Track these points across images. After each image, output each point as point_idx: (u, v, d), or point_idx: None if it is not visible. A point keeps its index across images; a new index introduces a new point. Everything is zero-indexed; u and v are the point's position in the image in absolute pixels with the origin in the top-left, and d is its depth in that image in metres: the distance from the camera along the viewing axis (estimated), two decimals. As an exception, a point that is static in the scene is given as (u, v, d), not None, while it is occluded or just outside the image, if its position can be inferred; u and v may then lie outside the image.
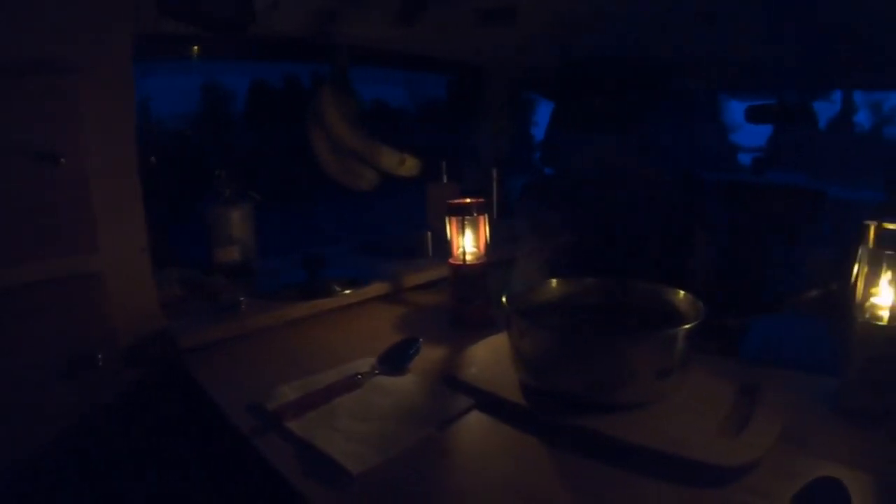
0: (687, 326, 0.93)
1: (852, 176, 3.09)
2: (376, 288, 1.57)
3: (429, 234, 1.78)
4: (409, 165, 1.64)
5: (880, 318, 0.92)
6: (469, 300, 1.34)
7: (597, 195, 2.01)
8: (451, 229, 1.35)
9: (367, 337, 1.29)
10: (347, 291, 1.50)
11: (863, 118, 3.73)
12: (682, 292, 1.08)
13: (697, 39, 2.08)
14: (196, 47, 1.61)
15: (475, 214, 1.35)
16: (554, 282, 1.18)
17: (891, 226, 0.90)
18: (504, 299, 1.04)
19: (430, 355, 1.19)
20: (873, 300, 0.93)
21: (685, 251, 1.88)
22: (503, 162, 2.24)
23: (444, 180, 1.89)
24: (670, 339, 0.93)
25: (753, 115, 2.93)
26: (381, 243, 1.93)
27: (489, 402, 0.99)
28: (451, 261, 1.36)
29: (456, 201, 1.35)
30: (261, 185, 1.72)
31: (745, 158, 3.58)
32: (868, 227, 0.92)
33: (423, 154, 1.75)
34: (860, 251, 0.94)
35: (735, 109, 3.28)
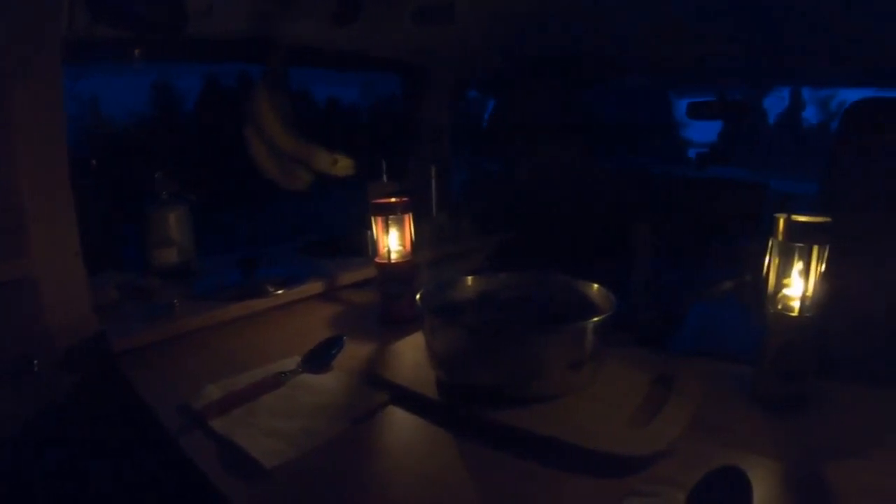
0: (596, 319, 0.95)
1: (799, 169, 3.17)
2: (310, 287, 1.57)
3: (368, 233, 1.80)
4: (342, 165, 1.66)
5: (791, 309, 0.95)
6: (395, 298, 1.35)
7: (537, 191, 2.04)
8: (376, 228, 1.36)
9: (298, 336, 1.29)
10: (280, 291, 1.51)
11: (811, 114, 3.81)
12: (595, 285, 1.10)
13: (639, 38, 2.12)
14: (137, 50, 1.61)
15: (400, 213, 1.36)
16: (469, 278, 1.19)
17: (799, 218, 0.93)
18: (418, 297, 1.06)
19: (355, 352, 1.19)
20: (785, 291, 0.96)
21: (625, 245, 1.92)
22: (445, 159, 2.27)
23: (385, 179, 1.91)
24: (580, 331, 0.95)
25: (694, 112, 2.98)
26: (322, 243, 1.94)
27: (405, 397, 1.01)
28: (377, 259, 1.37)
29: (381, 200, 1.36)
30: (209, 186, 1.72)
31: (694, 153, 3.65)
32: (778, 219, 0.94)
33: (371, 152, 1.77)
34: (770, 243, 0.96)
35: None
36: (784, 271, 0.96)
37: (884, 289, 1.34)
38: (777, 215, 0.94)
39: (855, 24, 1.88)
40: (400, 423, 0.97)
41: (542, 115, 2.07)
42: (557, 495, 0.77)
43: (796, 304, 0.95)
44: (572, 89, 2.42)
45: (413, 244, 1.39)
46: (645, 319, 1.75)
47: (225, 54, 1.86)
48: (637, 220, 1.93)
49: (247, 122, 1.60)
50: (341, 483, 0.81)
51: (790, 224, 0.93)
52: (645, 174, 2.89)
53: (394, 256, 1.36)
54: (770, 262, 0.97)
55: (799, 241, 0.93)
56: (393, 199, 1.37)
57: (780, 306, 0.96)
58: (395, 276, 1.36)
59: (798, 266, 0.94)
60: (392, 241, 1.36)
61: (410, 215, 1.37)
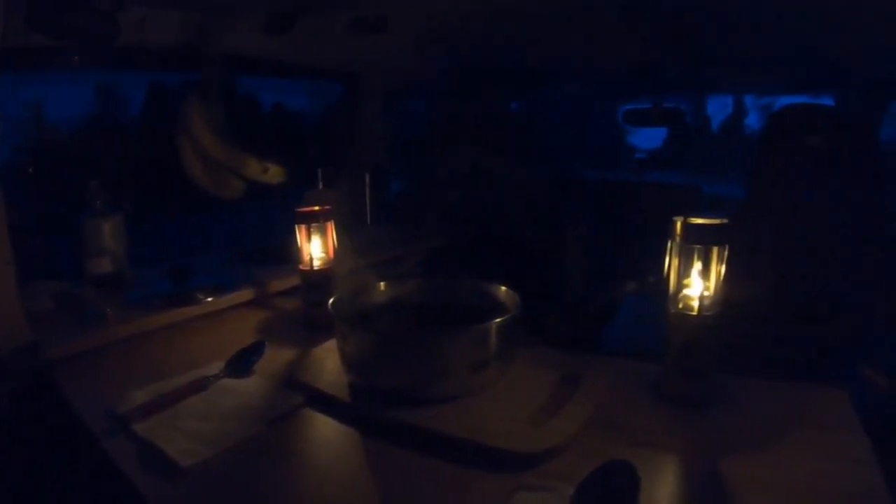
0: (498, 320, 0.98)
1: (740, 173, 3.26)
2: (239, 295, 1.58)
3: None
4: (272, 173, 1.68)
5: (692, 308, 0.98)
6: (317, 305, 1.36)
7: (469, 199, 2.08)
8: (299, 236, 1.38)
9: (226, 342, 1.29)
10: (210, 299, 1.52)
11: (753, 120, 3.90)
12: (503, 287, 1.13)
13: (572, 48, 2.17)
14: (75, 57, 1.63)
15: (322, 221, 1.38)
16: (382, 285, 1.23)
17: (695, 220, 0.96)
18: (330, 304, 1.09)
19: (277, 357, 1.21)
20: (685, 291, 0.99)
21: (556, 249, 1.96)
22: (381, 167, 2.30)
23: (320, 187, 1.94)
24: (480, 333, 0.98)
25: (631, 119, 3.06)
26: (256, 251, 1.96)
27: (320, 400, 1.03)
28: (300, 267, 1.39)
29: (304, 209, 1.38)
30: (148, 194, 1.73)
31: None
32: (675, 222, 0.98)
33: (308, 160, 1.80)
34: (669, 245, 0.99)
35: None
36: (684, 272, 0.99)
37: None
38: (675, 218, 0.98)
39: (784, 35, 1.96)
40: (314, 424, 1.00)
41: (476, 123, 2.11)
42: (456, 491, 0.80)
43: (696, 304, 0.98)
44: (507, 97, 2.48)
45: (336, 252, 1.41)
46: (577, 319, 1.80)
47: (161, 63, 1.88)
48: (570, 226, 1.98)
49: (179, 130, 1.62)
50: (254, 482, 0.84)
51: (687, 226, 0.96)
52: (579, 180, 2.95)
53: (316, 264, 1.38)
54: (670, 264, 1.00)
55: (695, 243, 0.97)
56: (316, 208, 1.39)
57: (680, 305, 1.00)
58: (318, 283, 1.38)
59: (697, 267, 0.97)
60: (315, 248, 1.38)
61: (332, 223, 1.40)
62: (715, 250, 0.96)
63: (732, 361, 1.28)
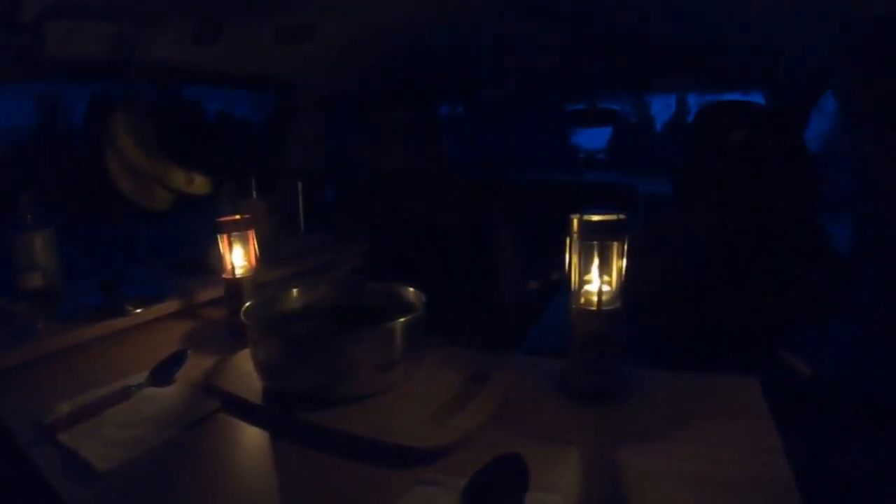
0: (402, 320, 1.00)
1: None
2: (168, 305, 1.57)
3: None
4: (197, 184, 1.68)
5: (593, 304, 0.99)
6: (238, 312, 1.39)
7: (399, 204, 2.09)
8: (222, 245, 1.38)
9: (153, 352, 1.28)
10: (139, 310, 1.53)
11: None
12: (411, 288, 1.16)
13: (502, 54, 2.20)
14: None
15: (243, 230, 1.39)
16: (295, 291, 1.24)
17: (592, 218, 0.98)
18: (242, 311, 1.11)
19: (200, 365, 1.21)
20: (586, 287, 1.01)
21: (486, 251, 1.98)
22: (315, 174, 2.31)
23: (254, 195, 1.94)
24: (386, 332, 1.00)
25: (567, 120, 3.12)
26: (188, 261, 1.94)
27: (235, 405, 1.05)
28: (224, 276, 1.39)
29: (225, 218, 1.38)
30: (87, 205, 1.72)
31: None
32: (572, 219, 0.99)
33: (244, 169, 1.80)
34: (568, 242, 1.01)
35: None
36: (585, 268, 1.01)
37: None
38: (572, 216, 1.00)
39: (716, 35, 2.00)
40: (229, 428, 1.01)
41: (405, 129, 2.12)
42: (357, 488, 0.82)
43: (601, 299, 1.00)
44: (436, 102, 2.50)
45: (258, 259, 1.42)
46: (509, 321, 1.82)
47: (89, 74, 1.87)
48: (499, 227, 2.00)
49: (106, 141, 1.61)
50: (169, 484, 0.86)
51: (583, 223, 0.99)
52: (514, 181, 2.99)
53: (239, 272, 1.39)
54: (570, 260, 1.02)
55: (592, 239, 0.99)
56: (237, 217, 1.39)
57: (582, 301, 1.01)
58: (240, 291, 1.38)
59: (597, 262, 0.99)
60: (236, 257, 1.39)
61: (253, 232, 1.41)
62: (614, 245, 0.99)
63: (657, 354, 1.31)
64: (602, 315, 0.99)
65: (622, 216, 0.99)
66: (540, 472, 0.77)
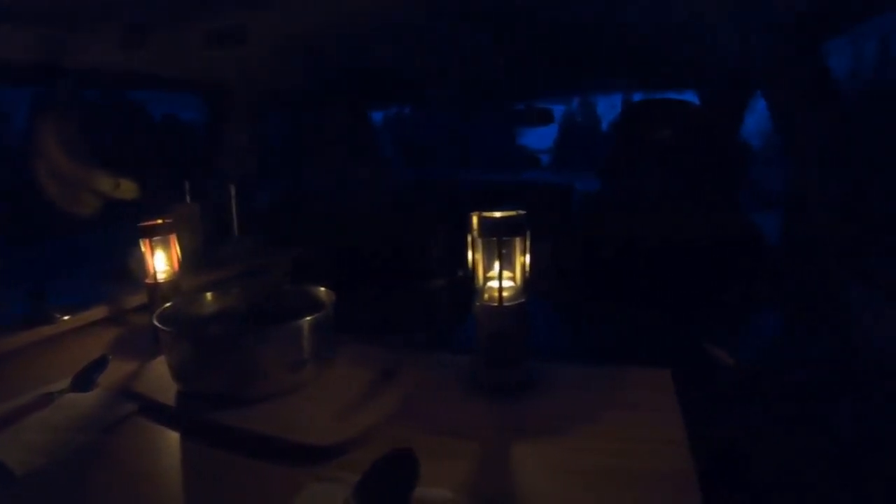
0: (308, 318, 1.01)
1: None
2: (95, 312, 1.55)
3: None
4: (123, 189, 1.68)
5: (496, 300, 1.01)
6: None
7: (333, 206, 2.10)
8: (144, 250, 1.38)
9: (78, 359, 1.27)
10: (66, 318, 1.52)
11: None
12: (323, 289, 1.17)
13: (437, 55, 2.21)
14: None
15: (164, 234, 1.38)
16: (209, 295, 1.24)
17: (493, 214, 0.99)
18: (154, 315, 1.11)
19: (123, 370, 1.21)
20: (490, 283, 1.02)
21: (420, 253, 1.99)
22: (249, 177, 2.30)
23: (188, 200, 1.92)
24: (293, 331, 1.02)
25: (505, 120, 3.15)
26: (118, 268, 1.92)
27: (150, 407, 1.05)
28: (147, 281, 1.39)
29: (147, 223, 1.38)
30: (19, 216, 1.69)
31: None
32: (472, 217, 1.00)
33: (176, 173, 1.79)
34: (469, 239, 1.02)
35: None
36: (488, 265, 1.02)
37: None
38: (472, 213, 1.01)
39: (649, 38, 2.03)
40: (144, 431, 1.01)
41: (339, 131, 2.13)
42: (256, 485, 0.83)
43: (501, 295, 1.01)
44: (370, 104, 2.51)
45: (180, 264, 1.42)
46: (444, 320, 1.83)
47: (16, 79, 1.84)
48: (437, 228, 2.01)
49: (33, 147, 1.60)
50: (84, 487, 0.86)
51: (483, 220, 1.00)
52: (447, 182, 3.01)
53: (161, 277, 1.38)
54: (474, 258, 1.03)
55: (492, 235, 1.00)
56: (159, 221, 1.39)
57: (486, 297, 1.03)
58: (163, 296, 1.37)
59: (499, 259, 1.01)
60: (158, 262, 1.39)
61: (175, 236, 1.41)
62: (516, 242, 1.00)
63: (586, 346, 1.32)
64: (505, 311, 1.01)
65: (522, 212, 1.01)
66: (434, 466, 0.78)
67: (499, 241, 0.99)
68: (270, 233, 2.11)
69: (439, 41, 2.02)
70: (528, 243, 1.02)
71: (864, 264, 1.68)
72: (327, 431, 0.90)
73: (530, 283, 1.04)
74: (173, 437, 0.99)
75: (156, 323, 1.06)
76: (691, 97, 2.81)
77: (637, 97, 3.41)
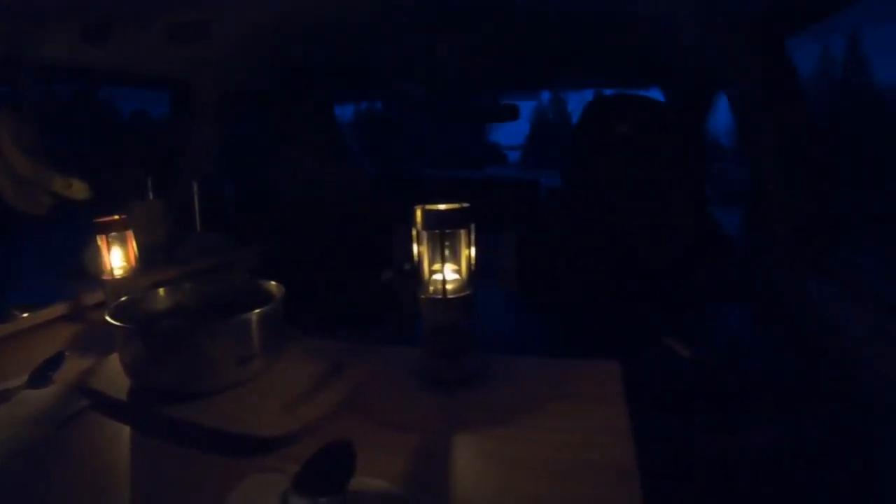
0: (257, 311, 1.02)
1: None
2: (54, 310, 1.55)
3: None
4: (76, 188, 1.66)
5: (441, 292, 1.02)
6: None
7: (296, 202, 2.10)
8: (101, 247, 1.38)
9: (37, 356, 1.27)
10: (25, 315, 1.51)
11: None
12: (273, 283, 1.17)
13: (404, 49, 2.21)
14: None
15: (120, 230, 1.39)
16: (161, 290, 1.24)
17: (437, 207, 1.01)
18: (107, 311, 1.11)
19: (79, 366, 1.20)
20: (435, 276, 1.03)
21: (383, 249, 1.99)
22: (214, 174, 2.29)
23: (150, 197, 1.92)
24: (241, 325, 1.02)
25: (468, 116, 3.16)
26: (81, 265, 1.91)
27: (103, 403, 1.06)
28: (104, 277, 1.40)
29: (102, 219, 1.38)
30: None
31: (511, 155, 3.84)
32: (416, 210, 1.02)
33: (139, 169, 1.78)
34: (413, 233, 1.03)
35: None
36: (433, 258, 1.03)
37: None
38: (416, 206, 1.02)
39: (616, 36, 2.05)
40: (97, 426, 1.02)
41: (303, 126, 2.13)
42: (199, 477, 0.84)
43: (447, 287, 1.03)
44: (334, 99, 2.50)
45: (137, 260, 1.42)
46: (409, 314, 1.84)
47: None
48: (396, 223, 2.01)
49: None
50: (39, 483, 0.86)
51: (426, 213, 1.01)
52: (413, 178, 3.02)
53: (118, 273, 1.38)
54: (419, 251, 1.04)
55: (434, 228, 1.01)
56: (115, 217, 1.39)
57: (431, 290, 1.04)
58: (120, 292, 1.37)
59: (444, 251, 1.02)
60: (115, 258, 1.39)
61: (131, 232, 1.40)
62: (461, 234, 1.02)
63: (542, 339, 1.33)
64: (450, 303, 1.02)
65: (466, 205, 1.02)
66: (375, 457, 0.80)
67: (442, 234, 1.01)
68: (235, 229, 2.11)
69: (404, 36, 2.03)
70: (472, 236, 1.03)
71: (825, 259, 1.70)
72: (273, 424, 0.91)
73: (476, 275, 1.06)
74: (125, 431, 1.00)
75: (107, 318, 1.06)
76: (657, 94, 2.85)
77: (609, 94, 3.43)
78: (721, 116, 2.58)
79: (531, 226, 2.09)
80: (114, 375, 1.11)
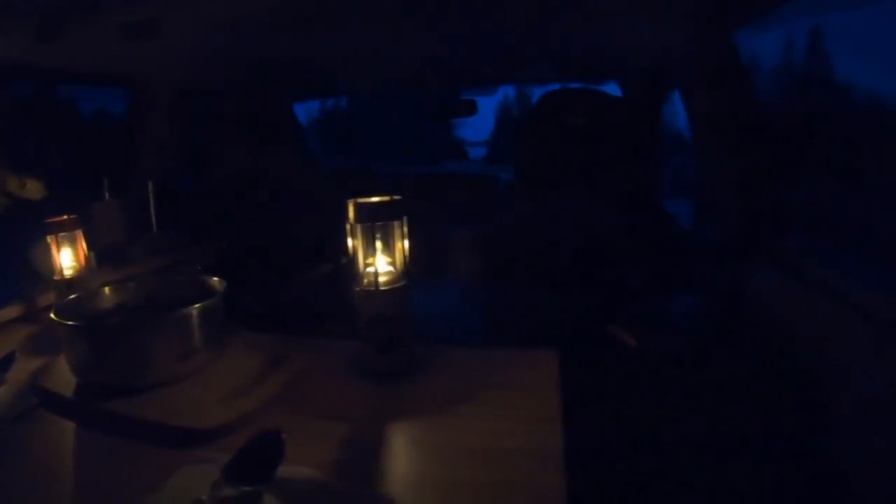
0: (196, 307, 1.04)
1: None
2: (10, 311, 1.54)
3: (91, 253, 1.81)
4: (29, 189, 1.67)
5: (375, 284, 1.04)
6: None
7: (251, 199, 2.11)
8: (52, 247, 1.39)
9: None
10: (-22, 317, 1.52)
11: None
12: (216, 278, 1.20)
13: (360, 47, 2.22)
14: None
15: (69, 230, 1.39)
16: (107, 289, 1.25)
17: (365, 200, 1.03)
18: (52, 310, 1.12)
19: (31, 366, 1.21)
20: (370, 269, 1.05)
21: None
22: (169, 173, 2.29)
23: (107, 197, 1.92)
24: (180, 320, 1.05)
25: (428, 112, 3.17)
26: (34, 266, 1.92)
27: (51, 400, 1.07)
28: (54, 277, 1.41)
29: (52, 219, 1.39)
30: None
31: (473, 151, 3.86)
32: (348, 204, 1.03)
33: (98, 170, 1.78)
34: (347, 227, 1.05)
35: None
36: (367, 250, 1.06)
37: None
38: (348, 200, 1.04)
39: (573, 33, 2.07)
40: (45, 423, 1.03)
41: (257, 123, 2.14)
42: (137, 468, 0.86)
43: (380, 279, 1.05)
44: (289, 96, 2.52)
45: (87, 259, 1.43)
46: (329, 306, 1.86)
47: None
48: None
49: None
50: None
51: (358, 206, 1.03)
52: (370, 173, 3.03)
53: (68, 273, 1.39)
54: (354, 244, 1.06)
55: (367, 221, 1.04)
56: (65, 217, 1.40)
57: (365, 282, 1.06)
58: (69, 292, 1.38)
59: (378, 245, 1.05)
60: (65, 258, 1.40)
61: (81, 231, 1.41)
62: (394, 226, 1.05)
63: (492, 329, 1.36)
64: (384, 295, 1.05)
65: (397, 197, 1.05)
66: (305, 447, 0.83)
67: (373, 227, 1.03)
68: (192, 227, 2.11)
69: (359, 31, 2.03)
70: (405, 228, 1.06)
71: (772, 247, 1.74)
72: (210, 416, 0.94)
73: (411, 266, 1.08)
74: (70, 427, 1.01)
75: (52, 317, 1.08)
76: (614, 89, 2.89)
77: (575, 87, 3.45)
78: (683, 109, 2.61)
79: (489, 220, 2.11)
80: (63, 374, 1.13)
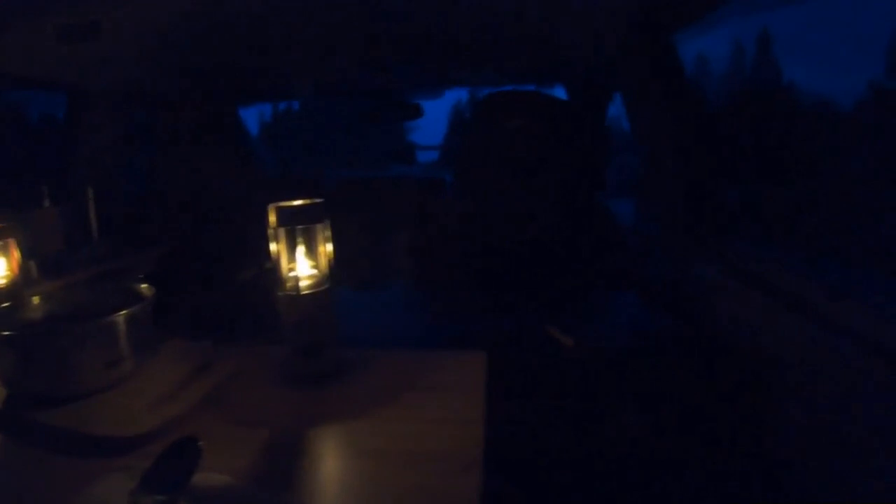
0: (122, 314, 1.04)
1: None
2: None
3: (31, 263, 1.78)
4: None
5: (298, 289, 1.05)
6: None
7: (193, 205, 2.10)
8: (-18, 256, 1.38)
9: None
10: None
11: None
12: (145, 285, 1.20)
13: (304, 54, 2.22)
14: None
15: (2, 239, 1.37)
16: (36, 298, 1.24)
17: (286, 204, 1.04)
18: None
19: None
20: (292, 273, 1.06)
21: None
22: (110, 179, 2.27)
23: (47, 204, 1.90)
24: (104, 327, 1.04)
25: (370, 115, 3.18)
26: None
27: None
28: (-13, 286, 1.39)
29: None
30: None
31: (426, 155, 3.86)
32: (270, 208, 1.05)
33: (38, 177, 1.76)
34: (269, 231, 1.06)
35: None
36: (290, 254, 1.06)
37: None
38: (269, 205, 1.05)
39: (518, 40, 2.09)
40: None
41: (199, 129, 2.13)
42: (58, 478, 0.84)
43: (302, 284, 1.06)
44: (233, 102, 2.51)
45: (21, 268, 1.41)
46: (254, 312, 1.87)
47: None
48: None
49: None
50: None
51: (280, 210, 1.04)
52: (315, 179, 3.04)
53: (1, 282, 1.38)
54: (278, 248, 1.07)
55: (288, 224, 1.04)
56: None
57: (288, 286, 1.06)
58: (3, 301, 1.37)
59: (301, 249, 1.06)
60: (-1, 267, 1.38)
61: (13, 240, 1.40)
62: (317, 229, 1.06)
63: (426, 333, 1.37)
64: (306, 299, 1.06)
65: (319, 200, 1.06)
66: (225, 453, 0.83)
67: (294, 230, 1.04)
68: (133, 235, 2.10)
69: (300, 37, 2.03)
70: (327, 232, 1.07)
71: (715, 246, 1.78)
72: (134, 424, 0.94)
73: (337, 269, 1.09)
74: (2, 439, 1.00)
75: None
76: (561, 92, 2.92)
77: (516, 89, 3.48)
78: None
79: (433, 221, 2.13)
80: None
